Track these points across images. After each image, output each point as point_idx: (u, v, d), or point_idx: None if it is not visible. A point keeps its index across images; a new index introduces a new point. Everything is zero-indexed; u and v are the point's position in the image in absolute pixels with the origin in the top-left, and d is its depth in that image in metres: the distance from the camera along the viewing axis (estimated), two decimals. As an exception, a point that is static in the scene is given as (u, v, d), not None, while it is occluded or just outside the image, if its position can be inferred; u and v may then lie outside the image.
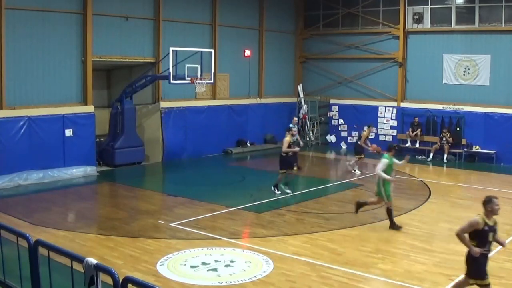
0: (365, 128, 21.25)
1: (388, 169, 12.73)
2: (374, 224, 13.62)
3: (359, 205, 13.47)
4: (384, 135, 26.26)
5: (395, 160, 12.97)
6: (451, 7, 24.71)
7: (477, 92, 24.23)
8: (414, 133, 24.87)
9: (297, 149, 16.73)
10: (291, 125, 19.97)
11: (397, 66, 26.11)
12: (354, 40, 27.48)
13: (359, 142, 20.12)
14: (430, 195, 17.28)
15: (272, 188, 16.35)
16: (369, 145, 19.86)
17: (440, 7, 25.07)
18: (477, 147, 23.81)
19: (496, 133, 23.30)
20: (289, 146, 16.04)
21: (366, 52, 27.12)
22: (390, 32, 26.36)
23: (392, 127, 26.25)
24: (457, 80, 24.74)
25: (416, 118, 25.06)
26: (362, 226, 13.39)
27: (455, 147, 23.91)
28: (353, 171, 20.14)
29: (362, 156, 20.03)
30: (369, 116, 26.12)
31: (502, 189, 18.00)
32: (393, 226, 12.77)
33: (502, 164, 23.17)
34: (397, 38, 26.15)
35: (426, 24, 25.58)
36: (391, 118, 26.24)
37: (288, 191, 15.84)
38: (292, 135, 16.52)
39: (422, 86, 25.50)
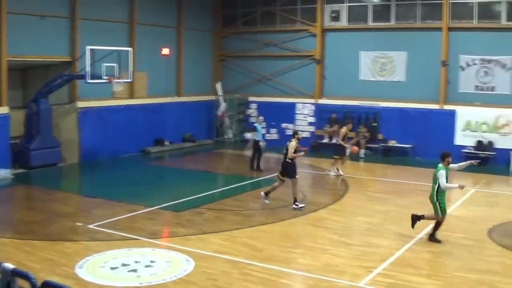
0: (342, 127, 21.50)
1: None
2: (293, 220, 13.99)
3: (415, 219, 12.52)
4: (302, 131, 26.66)
5: (452, 165, 12.25)
6: (368, 5, 25.60)
7: (393, 88, 25.20)
8: (332, 129, 25.44)
9: (302, 153, 15.95)
10: (256, 125, 20.56)
11: (315, 63, 26.65)
12: (273, 38, 27.94)
13: (338, 141, 20.00)
14: (347, 189, 17.77)
15: (263, 194, 15.54)
16: (349, 145, 19.66)
17: (357, 5, 25.93)
18: (394, 141, 24.68)
19: (411, 128, 24.32)
20: (295, 152, 15.08)
21: (285, 50, 27.65)
22: (308, 30, 26.96)
23: (310, 124, 26.79)
24: (374, 77, 25.63)
25: (334, 114, 25.67)
26: (282, 222, 13.72)
27: (372, 142, 24.75)
28: (329, 172, 20.17)
29: (343, 156, 19.84)
30: (287, 113, 26.67)
31: (418, 182, 18.84)
32: (434, 238, 12.16)
33: (417, 157, 24.04)
34: (315, 36, 26.80)
35: (343, 22, 26.36)
36: (308, 114, 26.74)
37: (266, 201, 15.34)
38: (298, 140, 15.42)
39: (339, 83, 26.26)
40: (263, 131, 26.87)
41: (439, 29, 24.33)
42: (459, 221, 14.32)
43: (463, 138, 23.98)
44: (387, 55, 25.12)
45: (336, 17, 26.22)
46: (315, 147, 25.96)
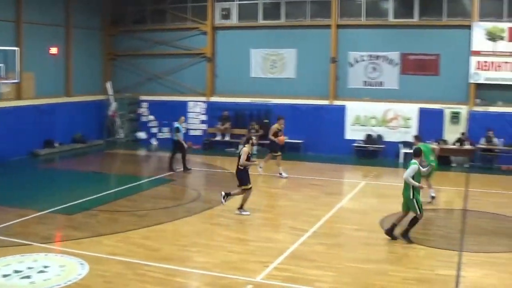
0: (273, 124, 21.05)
1: (417, 176, 11.81)
2: (188, 218, 13.93)
3: (391, 231, 12.13)
4: (195, 129, 26.73)
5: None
6: (258, 3, 25.88)
7: (284, 85, 25.70)
8: (224, 126, 25.55)
9: (256, 162, 15.27)
10: (177, 125, 19.89)
11: (206, 61, 26.68)
12: (164, 37, 27.72)
13: (271, 138, 19.28)
14: None
15: (238, 211, 14.51)
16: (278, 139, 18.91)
17: (247, 3, 26.20)
18: (285, 137, 24.99)
19: (303, 124, 24.86)
20: (247, 159, 14.24)
21: (176, 48, 27.51)
22: (199, 28, 26.96)
23: (202, 122, 26.80)
24: (265, 74, 26.04)
25: (226, 112, 25.80)
26: (177, 221, 13.63)
27: (264, 139, 25.02)
28: (282, 174, 19.45)
29: (279, 153, 19.38)
30: (179, 112, 26.44)
31: (310, 177, 19.27)
32: (407, 237, 12.01)
33: (308, 152, 24.61)
34: (206, 34, 26.77)
35: (234, 20, 26.50)
36: (200, 112, 26.75)
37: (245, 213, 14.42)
38: (253, 145, 14.64)
39: (231, 81, 26.46)
40: (155, 130, 26.59)
41: (328, 26, 25.04)
42: (351, 213, 14.85)
43: (353, 132, 24.78)
44: (278, 53, 25.56)
45: (226, 15, 26.35)
46: (208, 145, 26.01)
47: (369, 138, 24.36)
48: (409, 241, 11.72)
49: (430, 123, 23.91)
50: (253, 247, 11.52)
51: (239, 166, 14.14)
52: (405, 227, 11.83)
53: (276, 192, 16.86)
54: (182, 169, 20.56)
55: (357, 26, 24.86)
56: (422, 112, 24.05)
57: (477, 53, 23.57)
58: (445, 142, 23.61)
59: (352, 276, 9.99)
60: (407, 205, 11.82)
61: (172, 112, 26.43)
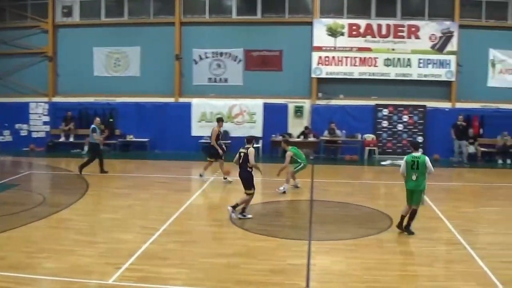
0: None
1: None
2: (35, 223, 12.94)
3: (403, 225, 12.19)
4: (37, 131, 25.80)
5: None
6: (101, 0, 25.63)
7: (128, 83, 25.51)
8: (67, 127, 24.88)
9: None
10: (93, 126, 19.03)
11: (47, 60, 25.98)
12: (3, 36, 26.69)
13: (213, 142, 18.13)
14: (88, 188, 17.37)
15: (240, 215, 13.53)
16: (222, 145, 18.34)
17: (89, 0, 25.91)
18: (131, 136, 24.77)
19: (148, 122, 24.80)
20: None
21: (16, 47, 26.63)
22: (39, 26, 26.28)
23: (44, 123, 25.98)
24: (108, 72, 25.76)
25: (69, 112, 25.17)
26: (23, 227, 12.64)
27: (110, 138, 24.47)
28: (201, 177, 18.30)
29: (213, 160, 18.26)
30: (21, 114, 25.56)
31: (157, 175, 19.18)
32: (409, 230, 12.29)
33: (155, 150, 24.38)
34: (46, 32, 26.11)
35: (76, 18, 26.11)
36: (43, 113, 25.89)
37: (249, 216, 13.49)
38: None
39: (74, 80, 25.95)
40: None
41: (171, 23, 25.21)
42: (201, 209, 14.79)
43: (199, 129, 24.94)
44: (121, 51, 25.43)
45: (68, 12, 26.00)
46: (51, 147, 25.16)
47: (215, 134, 24.31)
48: (411, 232, 12.06)
49: (274, 118, 24.49)
50: (103, 249, 11.00)
51: (248, 168, 13.35)
52: (408, 221, 12.13)
53: (122, 192, 16.44)
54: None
55: (201, 23, 25.28)
56: (267, 107, 24.59)
57: (319, 49, 24.52)
58: (290, 135, 24.03)
59: (206, 272, 9.87)
60: (417, 197, 11.96)
61: (13, 114, 25.32)
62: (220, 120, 18.32)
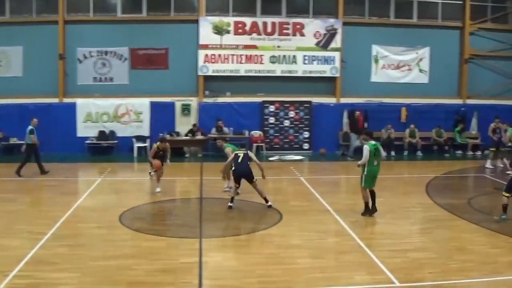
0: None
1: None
2: None
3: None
4: None
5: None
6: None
7: (10, 84, 25.13)
8: None
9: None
10: (31, 127, 18.59)
11: None
12: None
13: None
14: None
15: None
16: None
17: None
18: (15, 138, 24.37)
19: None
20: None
21: None
22: None
23: None
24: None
25: None
26: None
27: None
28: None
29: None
30: None
31: (42, 178, 19.29)
32: (375, 208, 13.79)
33: (40, 152, 23.94)
34: None
35: (-46, 17, 25.48)
36: None
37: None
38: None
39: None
40: None
41: (55, 22, 25.03)
42: (90, 212, 14.59)
43: (85, 130, 24.92)
44: (2, 51, 24.96)
45: None
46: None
47: (101, 135, 24.58)
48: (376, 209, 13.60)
49: (162, 116, 24.76)
50: (-12, 257, 10.53)
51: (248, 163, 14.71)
52: (374, 202, 13.66)
53: (7, 197, 16.07)
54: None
55: (85, 21, 25.22)
56: (154, 105, 24.79)
57: (205, 47, 24.96)
58: (177, 134, 24.29)
59: (97, 275, 9.76)
60: (376, 180, 13.55)
61: None
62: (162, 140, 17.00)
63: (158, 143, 16.43)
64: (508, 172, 20.07)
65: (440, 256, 11.19)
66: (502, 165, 21.81)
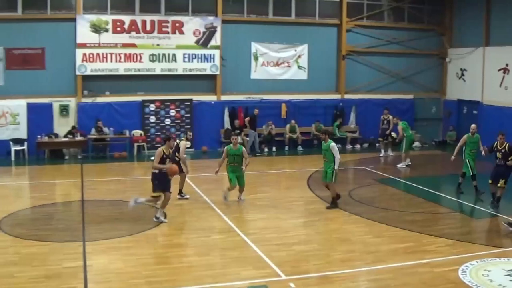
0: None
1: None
2: None
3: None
4: None
5: None
6: None
7: None
8: None
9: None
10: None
11: None
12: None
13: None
14: None
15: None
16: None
17: None
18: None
19: None
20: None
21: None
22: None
23: None
24: None
25: None
26: None
27: None
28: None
29: None
30: None
31: None
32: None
33: None
34: None
35: None
36: None
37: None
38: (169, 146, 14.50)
39: None
40: None
41: None
42: None
43: (-40, 133, 24.37)
44: None
45: None
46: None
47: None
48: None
49: (39, 118, 24.86)
50: None
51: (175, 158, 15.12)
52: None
53: None
54: None
55: None
56: (31, 107, 24.86)
57: (83, 46, 25.23)
58: (56, 135, 24.46)
59: None
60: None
61: None
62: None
63: (163, 146, 13.98)
64: (399, 166, 21.78)
65: (324, 248, 12.22)
66: (392, 154, 23.98)
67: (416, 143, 27.68)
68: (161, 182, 13.43)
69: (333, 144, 14.84)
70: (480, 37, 28.34)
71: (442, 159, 25.07)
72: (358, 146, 27.26)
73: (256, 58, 27.24)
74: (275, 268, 10.41)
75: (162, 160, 13.44)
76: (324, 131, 15.92)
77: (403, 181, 19.73)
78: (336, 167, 14.71)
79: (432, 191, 18.57)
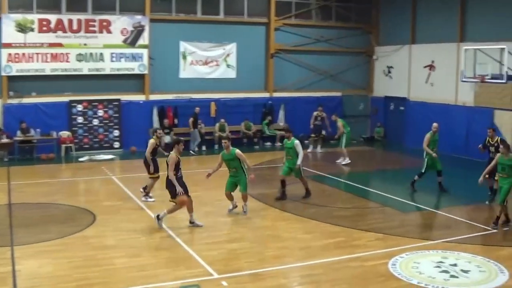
0: None
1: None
2: None
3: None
4: None
5: None
6: None
7: None
8: None
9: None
10: None
11: None
12: None
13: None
14: None
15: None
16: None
17: None
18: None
19: None
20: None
21: None
22: None
23: None
24: None
25: None
26: None
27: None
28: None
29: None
30: None
31: None
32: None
33: None
34: None
35: None
36: None
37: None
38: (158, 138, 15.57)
39: None
40: None
41: None
42: None
43: None
44: None
45: None
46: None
47: None
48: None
49: (-37, 120, 24.31)
50: None
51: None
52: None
53: None
54: None
55: None
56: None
57: (8, 46, 25.11)
58: (-21, 138, 24.28)
59: None
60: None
61: None
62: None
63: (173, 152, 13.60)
64: (338, 161, 22.65)
65: (256, 245, 12.59)
66: (320, 151, 25.19)
67: (342, 139, 28.59)
68: (181, 186, 13.38)
69: (297, 141, 15.93)
70: (406, 35, 29.59)
71: (370, 155, 26.15)
72: (287, 143, 27.94)
73: (184, 57, 27.73)
74: (207, 267, 10.63)
75: (177, 166, 13.41)
76: (288, 129, 17.11)
77: (333, 177, 20.36)
78: (299, 163, 15.80)
79: (362, 186, 19.57)
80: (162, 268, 10.84)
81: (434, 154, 18.05)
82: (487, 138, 16.56)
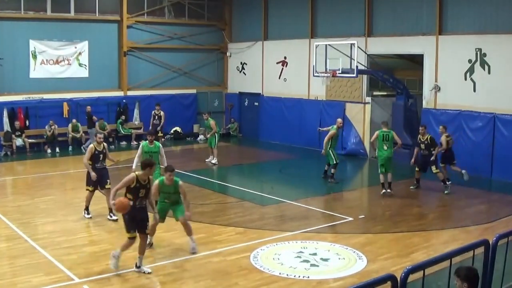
0: None
1: None
2: None
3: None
4: None
5: None
6: None
7: None
8: None
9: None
10: None
11: None
12: None
13: None
14: None
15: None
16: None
17: None
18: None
19: None
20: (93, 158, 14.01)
21: None
22: None
23: None
24: None
25: None
26: None
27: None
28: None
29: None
30: None
31: None
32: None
33: None
34: None
35: None
36: None
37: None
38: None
39: None
40: None
41: None
42: None
43: None
44: None
45: None
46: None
47: None
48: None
49: None
50: None
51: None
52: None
53: None
54: None
55: None
56: None
57: None
58: None
59: None
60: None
61: None
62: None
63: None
64: (207, 160, 24.19)
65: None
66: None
67: (201, 136, 30.66)
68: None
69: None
70: (259, 32, 31.91)
71: (227, 151, 27.91)
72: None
73: (34, 56, 28.31)
74: (67, 272, 10.63)
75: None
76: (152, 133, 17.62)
77: (190, 174, 20.94)
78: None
79: (220, 182, 21.23)
80: (21, 275, 10.68)
81: (323, 151, 20.33)
82: (419, 136, 18.10)
